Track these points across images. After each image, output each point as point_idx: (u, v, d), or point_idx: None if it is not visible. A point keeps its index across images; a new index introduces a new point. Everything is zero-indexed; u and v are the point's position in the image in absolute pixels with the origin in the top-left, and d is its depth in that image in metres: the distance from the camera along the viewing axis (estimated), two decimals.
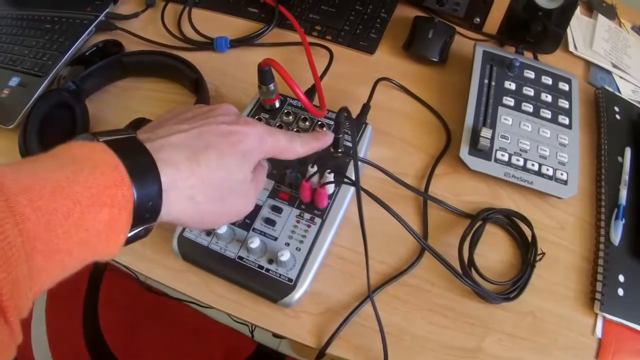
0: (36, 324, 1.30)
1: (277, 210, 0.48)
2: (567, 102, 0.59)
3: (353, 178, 0.43)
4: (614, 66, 0.69)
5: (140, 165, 0.29)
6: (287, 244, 0.46)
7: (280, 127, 0.52)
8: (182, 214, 0.33)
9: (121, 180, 0.27)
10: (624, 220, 0.52)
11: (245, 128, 0.36)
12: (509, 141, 0.55)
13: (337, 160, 0.50)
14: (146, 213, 0.29)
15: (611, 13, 0.77)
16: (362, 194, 0.43)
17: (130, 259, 0.51)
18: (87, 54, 0.65)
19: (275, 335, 0.58)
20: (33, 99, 0.61)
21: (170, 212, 0.32)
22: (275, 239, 0.47)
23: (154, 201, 0.29)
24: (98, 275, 1.37)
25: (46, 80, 0.63)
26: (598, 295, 0.49)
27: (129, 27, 0.70)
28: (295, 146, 0.40)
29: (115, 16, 0.72)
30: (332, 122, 0.52)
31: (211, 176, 0.33)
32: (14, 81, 0.64)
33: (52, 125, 0.54)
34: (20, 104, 0.61)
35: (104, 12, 0.70)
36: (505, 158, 0.54)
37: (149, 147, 0.31)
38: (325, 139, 0.44)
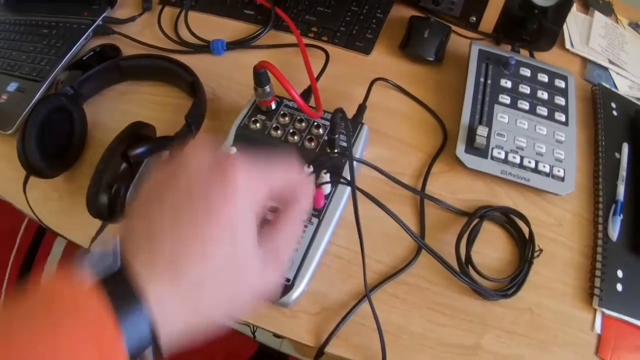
0: None
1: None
2: (563, 99, 0.59)
3: (349, 178, 0.43)
4: (611, 62, 0.69)
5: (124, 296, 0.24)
6: None
7: (276, 128, 0.52)
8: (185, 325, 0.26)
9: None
10: (621, 216, 0.52)
11: (224, 176, 0.27)
12: (505, 139, 0.55)
13: (333, 161, 0.50)
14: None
15: (607, 10, 0.77)
16: (359, 193, 0.43)
17: None
18: (84, 58, 0.66)
19: (277, 336, 0.58)
20: (31, 103, 0.61)
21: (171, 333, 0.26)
22: None
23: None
24: None
25: (44, 85, 0.63)
26: (596, 291, 0.49)
27: (126, 31, 0.70)
28: (290, 176, 0.32)
29: (112, 20, 0.72)
30: (328, 123, 0.52)
31: (214, 271, 0.26)
32: (12, 86, 0.64)
33: (51, 129, 0.54)
34: (18, 109, 0.61)
35: (101, 17, 0.71)
36: (502, 156, 0.54)
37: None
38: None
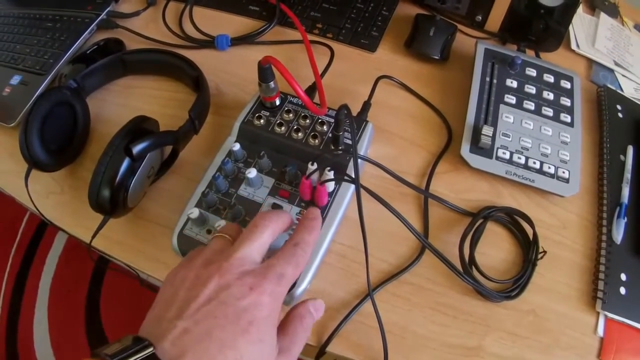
0: (38, 321, 1.31)
1: (277, 208, 0.48)
2: (569, 100, 0.59)
3: (353, 176, 0.43)
4: (617, 64, 0.69)
5: None
6: None
7: (280, 124, 0.52)
8: None
9: None
10: (626, 219, 0.52)
11: (253, 301, 0.31)
12: (510, 139, 0.55)
13: (337, 158, 0.50)
14: None
15: (613, 11, 0.76)
16: (363, 191, 0.42)
17: (131, 257, 0.51)
18: (88, 52, 0.66)
19: None
20: (34, 97, 0.61)
21: None
22: None
23: None
24: (100, 273, 1.37)
25: (47, 79, 0.63)
26: (600, 294, 0.48)
27: (130, 25, 0.70)
28: (302, 263, 0.36)
29: (117, 14, 0.72)
30: (332, 120, 0.52)
31: None
32: (15, 79, 0.64)
33: (53, 123, 0.54)
34: (21, 102, 0.61)
35: (105, 11, 0.70)
36: (507, 156, 0.54)
37: None
38: (317, 223, 0.40)
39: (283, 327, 0.36)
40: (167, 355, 0.28)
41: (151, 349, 0.28)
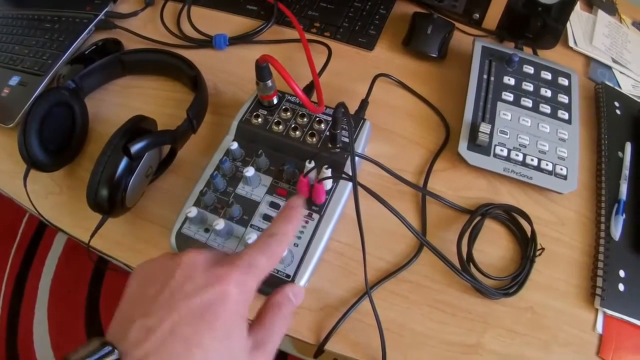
0: (38, 322, 1.31)
1: (274, 206, 0.48)
2: (566, 97, 0.59)
3: (350, 173, 0.43)
4: (614, 61, 0.69)
5: None
6: None
7: (278, 123, 0.52)
8: None
9: None
10: (624, 216, 0.52)
11: (218, 291, 0.29)
12: (508, 136, 0.55)
13: (334, 156, 0.50)
14: None
15: (611, 8, 0.76)
16: (360, 189, 0.42)
17: (128, 256, 0.51)
18: (86, 52, 0.66)
19: None
20: (33, 97, 0.61)
21: None
22: None
23: None
24: (99, 274, 1.37)
25: (46, 79, 0.63)
26: (598, 291, 0.48)
27: (128, 25, 0.70)
28: (276, 254, 0.34)
29: (115, 15, 0.72)
30: (330, 118, 0.52)
31: None
32: (14, 80, 0.64)
33: (52, 123, 0.54)
34: (20, 103, 0.61)
35: (104, 11, 0.71)
36: (505, 153, 0.54)
37: None
38: (297, 212, 0.37)
39: (259, 317, 0.34)
40: (131, 359, 0.27)
41: (115, 355, 0.27)
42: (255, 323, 0.33)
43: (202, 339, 0.28)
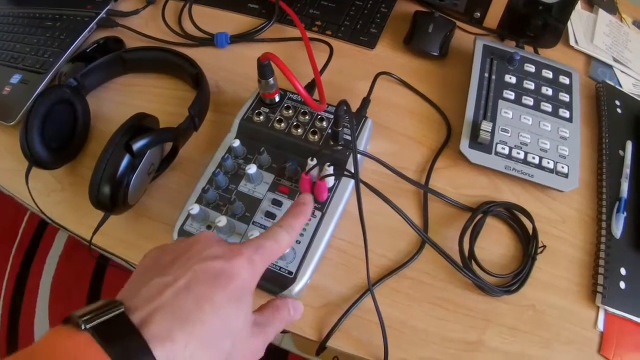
0: (39, 320, 1.31)
1: (277, 203, 0.48)
2: (567, 96, 0.59)
3: (353, 171, 0.43)
4: (615, 60, 0.69)
5: (131, 352, 0.26)
6: None
7: (280, 121, 0.52)
8: None
9: None
10: (625, 214, 0.52)
11: (231, 261, 0.32)
12: (509, 134, 0.55)
13: (336, 154, 0.50)
14: None
15: (612, 8, 0.76)
16: (362, 187, 0.42)
17: (130, 254, 0.52)
18: (88, 50, 0.66)
19: None
20: (34, 95, 0.61)
21: None
22: None
23: None
24: (100, 272, 1.37)
25: (47, 77, 0.63)
26: (600, 288, 0.48)
27: (129, 23, 0.70)
28: (283, 241, 0.36)
29: (116, 13, 0.72)
30: (331, 116, 0.52)
31: (210, 334, 0.29)
32: (15, 78, 0.64)
33: (54, 121, 0.54)
34: (21, 101, 0.61)
35: (105, 9, 0.71)
36: (506, 151, 0.54)
37: (138, 320, 0.27)
38: (306, 208, 0.40)
39: (260, 309, 0.37)
40: (139, 313, 0.28)
41: (121, 308, 0.28)
42: (257, 311, 0.36)
43: (214, 296, 0.30)
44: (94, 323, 0.26)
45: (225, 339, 0.30)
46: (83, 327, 0.26)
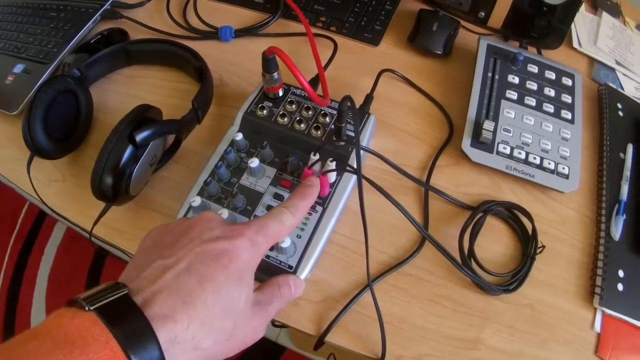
0: (37, 311, 1.31)
1: (278, 197, 0.48)
2: (570, 97, 0.59)
3: (355, 167, 0.43)
4: (618, 63, 0.69)
5: (134, 332, 0.26)
6: None
7: (283, 115, 0.52)
8: None
9: (114, 356, 0.25)
10: (624, 216, 0.52)
11: (233, 242, 0.32)
12: (511, 134, 0.55)
13: (339, 149, 0.50)
14: None
15: (616, 11, 0.77)
16: (364, 182, 0.43)
17: (132, 245, 0.52)
18: (92, 42, 0.66)
19: (275, 324, 0.58)
20: (37, 85, 0.61)
21: None
22: None
23: None
24: (99, 263, 1.37)
25: (50, 68, 0.63)
26: (597, 290, 0.49)
27: (134, 15, 0.70)
28: (287, 222, 0.37)
29: (121, 5, 0.72)
30: (335, 112, 0.52)
31: (211, 314, 0.30)
32: (18, 68, 0.64)
33: (56, 111, 0.54)
34: (24, 91, 0.61)
35: (110, 1, 0.70)
36: (507, 151, 0.54)
37: (141, 301, 0.28)
38: (313, 190, 0.40)
39: (261, 287, 0.37)
40: (142, 295, 0.28)
41: (125, 290, 0.28)
42: (257, 290, 0.36)
43: (215, 276, 0.30)
44: (99, 304, 0.27)
45: (227, 318, 0.31)
46: (87, 308, 0.26)
